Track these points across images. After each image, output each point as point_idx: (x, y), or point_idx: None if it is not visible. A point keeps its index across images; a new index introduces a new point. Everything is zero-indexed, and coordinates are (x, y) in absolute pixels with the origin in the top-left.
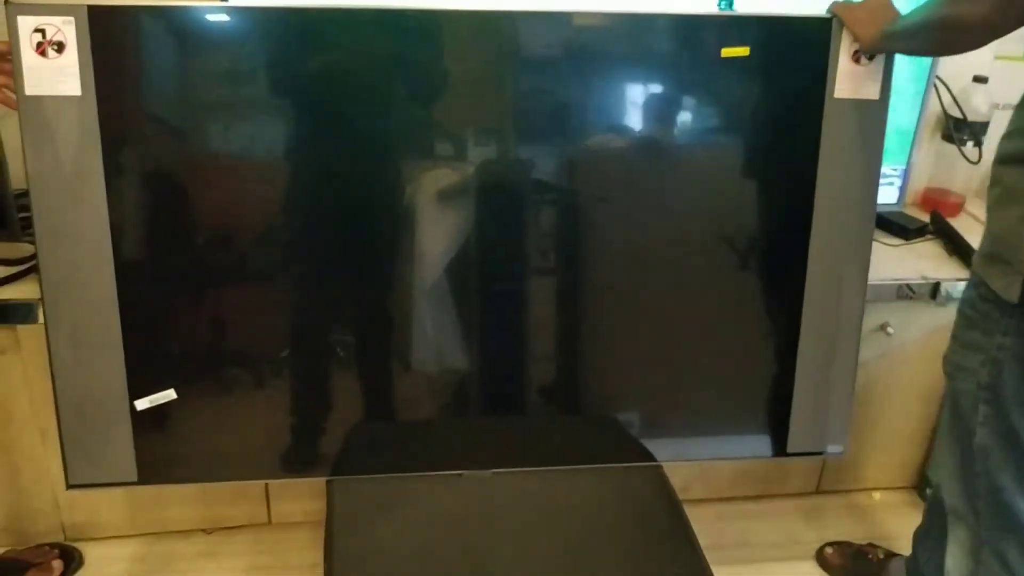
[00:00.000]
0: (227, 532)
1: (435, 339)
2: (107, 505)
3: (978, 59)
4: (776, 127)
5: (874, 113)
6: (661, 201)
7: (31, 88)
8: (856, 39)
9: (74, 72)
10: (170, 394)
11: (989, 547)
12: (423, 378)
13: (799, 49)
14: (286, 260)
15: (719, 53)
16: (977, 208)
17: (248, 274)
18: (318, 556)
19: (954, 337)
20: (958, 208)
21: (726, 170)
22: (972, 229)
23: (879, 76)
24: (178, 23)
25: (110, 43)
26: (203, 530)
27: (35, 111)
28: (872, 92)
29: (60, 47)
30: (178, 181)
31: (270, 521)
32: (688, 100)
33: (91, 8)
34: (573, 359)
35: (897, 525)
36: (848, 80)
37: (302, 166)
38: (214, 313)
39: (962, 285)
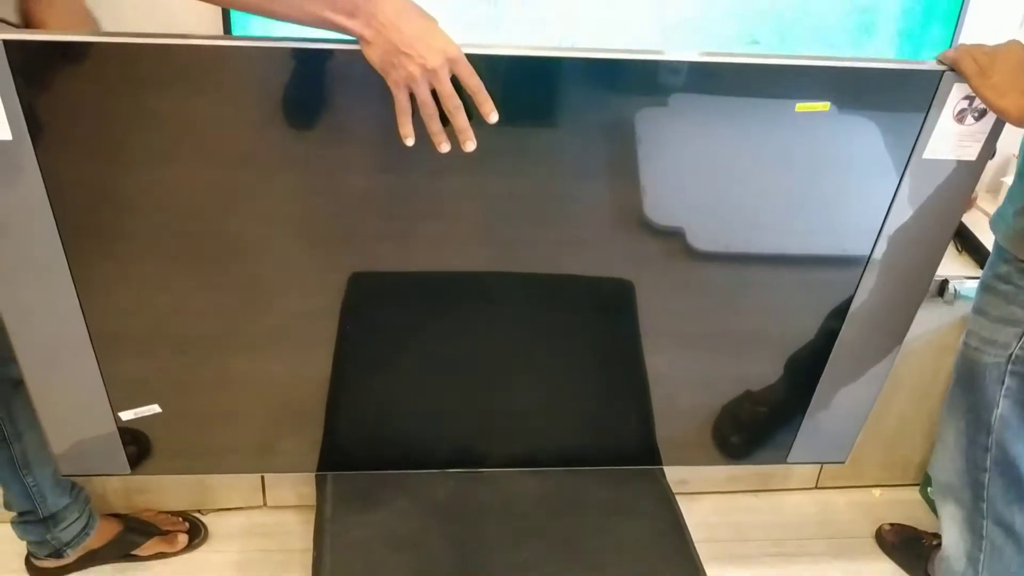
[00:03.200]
0: (221, 514)
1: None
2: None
3: None
4: (845, 187)
5: (965, 174)
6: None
7: None
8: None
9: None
10: (154, 408)
11: (993, 518)
12: (420, 372)
13: (890, 104)
14: (270, 269)
15: (793, 107)
16: (989, 204)
17: (226, 284)
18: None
19: (982, 313)
20: (969, 203)
21: (782, 219)
22: (983, 225)
23: (983, 137)
24: (116, 59)
25: (41, 80)
26: (198, 511)
27: None
28: (969, 153)
29: None
30: (142, 221)
31: (265, 504)
32: (749, 152)
33: (7, 43)
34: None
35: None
36: (945, 141)
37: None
38: (190, 331)
39: (971, 284)
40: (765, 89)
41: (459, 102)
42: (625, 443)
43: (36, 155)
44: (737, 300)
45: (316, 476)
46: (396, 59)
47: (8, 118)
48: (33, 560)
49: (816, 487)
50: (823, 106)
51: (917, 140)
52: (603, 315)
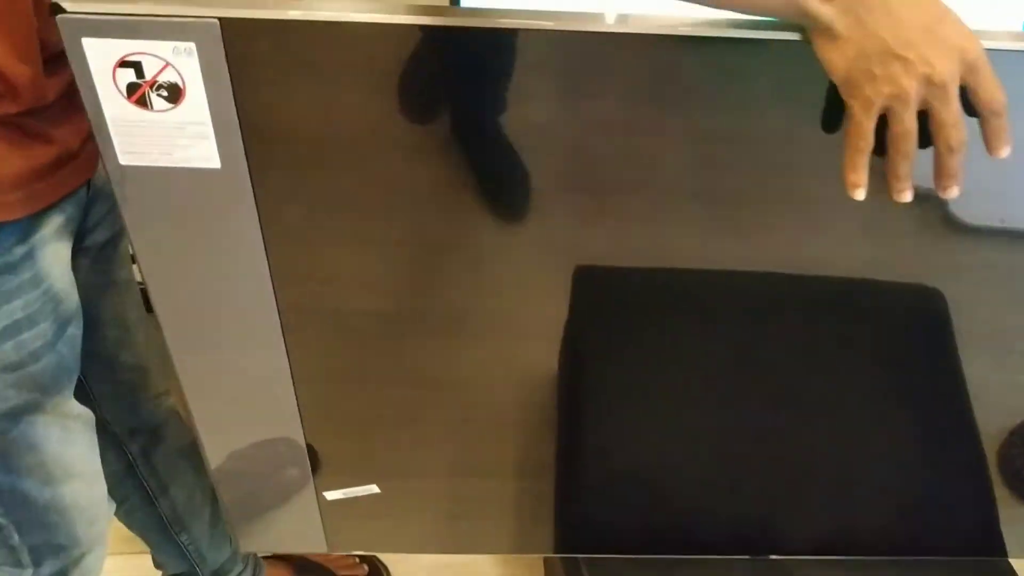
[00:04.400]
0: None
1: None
2: None
3: None
4: None
5: None
6: None
7: (127, 156)
8: None
9: (205, 132)
10: (372, 488)
11: None
12: (680, 421)
13: None
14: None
15: None
16: None
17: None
18: None
19: None
20: None
21: None
22: None
23: None
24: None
25: (269, 80)
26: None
27: (143, 192)
28: None
29: (174, 92)
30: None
31: None
32: None
33: (227, 22)
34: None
35: None
36: None
37: None
38: (401, 376)
39: None
40: None
41: (965, 134)
42: (956, 524)
43: (256, 198)
44: None
45: (563, 561)
46: (880, 66)
47: (218, 139)
48: None
49: None
50: None
51: None
52: (909, 334)
